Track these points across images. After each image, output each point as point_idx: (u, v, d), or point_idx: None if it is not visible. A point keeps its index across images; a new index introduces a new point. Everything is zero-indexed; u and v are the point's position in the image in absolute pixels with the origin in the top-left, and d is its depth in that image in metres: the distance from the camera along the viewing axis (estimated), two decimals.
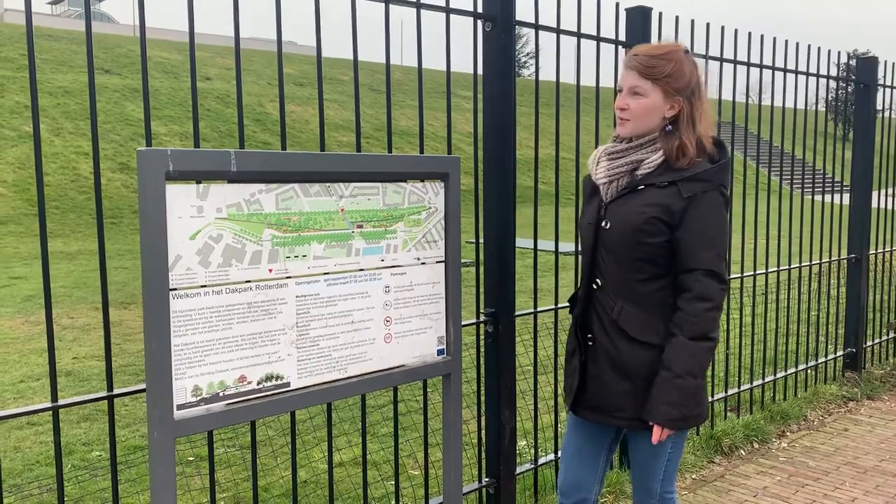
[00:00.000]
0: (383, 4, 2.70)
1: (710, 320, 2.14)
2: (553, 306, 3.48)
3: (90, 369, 6.28)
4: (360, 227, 2.02)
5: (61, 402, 2.20)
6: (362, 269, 2.03)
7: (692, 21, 4.00)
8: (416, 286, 2.15)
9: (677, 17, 3.82)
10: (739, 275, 4.59)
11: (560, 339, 3.31)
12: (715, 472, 3.98)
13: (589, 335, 2.32)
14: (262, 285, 1.84)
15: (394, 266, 2.10)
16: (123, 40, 29.29)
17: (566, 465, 2.47)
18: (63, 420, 4.84)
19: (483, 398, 3.23)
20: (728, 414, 4.55)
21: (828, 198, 5.72)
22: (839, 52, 5.11)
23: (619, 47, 3.60)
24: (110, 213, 16.92)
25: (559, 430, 3.61)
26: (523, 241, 5.30)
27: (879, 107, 5.65)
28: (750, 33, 4.36)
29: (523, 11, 3.09)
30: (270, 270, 1.85)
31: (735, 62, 4.30)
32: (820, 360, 5.32)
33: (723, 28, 4.22)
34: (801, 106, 5.07)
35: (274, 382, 1.88)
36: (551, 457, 3.56)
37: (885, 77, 5.61)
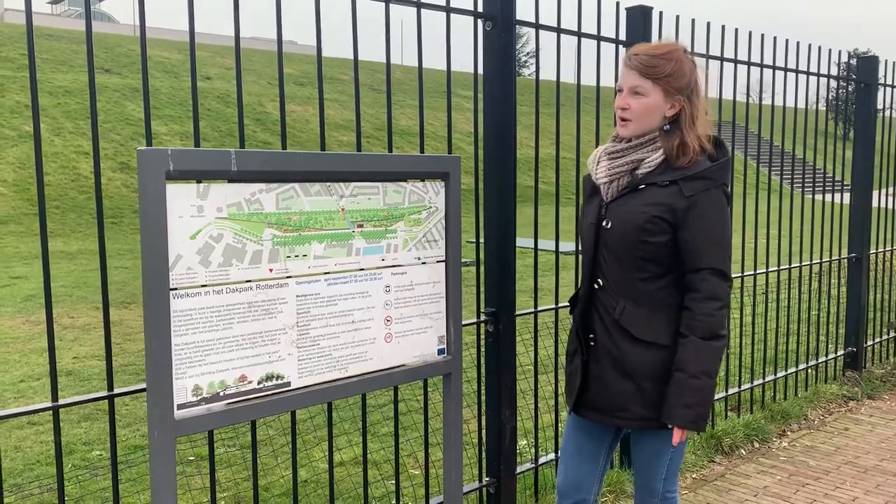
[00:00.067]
0: (383, 4, 2.69)
1: (720, 319, 2.15)
2: (553, 305, 3.48)
3: (90, 369, 6.28)
4: (361, 226, 2.02)
5: (62, 401, 2.20)
6: (363, 269, 2.03)
7: (692, 20, 4.00)
8: (417, 286, 2.15)
9: (678, 17, 3.82)
10: (740, 274, 4.58)
11: (561, 339, 3.31)
12: (715, 472, 3.98)
13: (591, 335, 2.32)
14: (262, 285, 1.84)
15: (394, 265, 2.10)
16: (124, 40, 29.28)
17: (565, 465, 2.47)
18: (63, 420, 4.84)
19: (483, 398, 3.22)
20: (728, 413, 4.55)
21: (828, 197, 5.73)
22: (840, 52, 5.10)
23: (620, 46, 3.60)
24: (111, 212, 16.92)
25: (559, 429, 3.61)
26: (524, 241, 5.30)
27: (880, 106, 5.65)
28: (750, 32, 4.36)
29: (524, 11, 3.09)
30: (271, 270, 1.85)
31: (735, 61, 4.29)
32: (820, 360, 5.32)
33: (723, 27, 4.22)
34: (801, 105, 5.07)
35: (274, 382, 1.88)
36: (552, 456, 3.56)
37: (885, 76, 5.61)
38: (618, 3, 3.60)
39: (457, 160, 2.22)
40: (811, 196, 5.29)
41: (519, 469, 3.34)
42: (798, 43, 4.76)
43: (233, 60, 27.04)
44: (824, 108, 5.72)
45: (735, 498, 3.68)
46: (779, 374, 4.92)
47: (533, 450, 3.58)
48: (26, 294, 9.62)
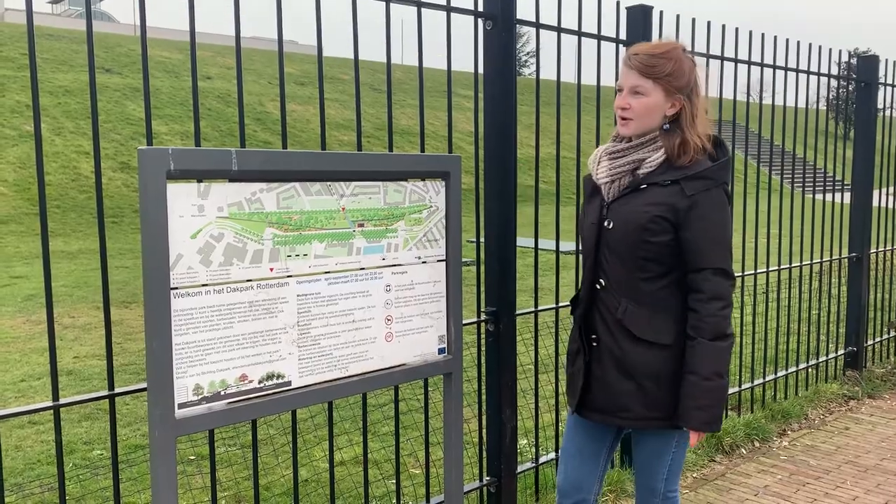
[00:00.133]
0: (384, 3, 2.70)
1: (725, 318, 2.15)
2: (554, 305, 3.48)
3: (91, 368, 6.29)
4: (361, 225, 2.02)
5: (62, 401, 2.20)
6: (363, 268, 2.03)
7: (693, 20, 4.00)
8: (417, 285, 2.15)
9: (678, 16, 3.82)
10: (740, 273, 4.58)
11: (561, 339, 3.31)
12: (716, 471, 3.98)
13: (593, 336, 2.32)
14: (263, 284, 1.84)
15: (395, 265, 2.10)
16: (124, 39, 29.29)
17: (566, 465, 2.47)
18: (64, 419, 4.84)
19: (484, 397, 3.23)
20: (729, 412, 4.55)
21: (829, 196, 5.72)
22: (840, 51, 5.10)
23: (620, 46, 3.60)
24: (111, 212, 16.92)
25: (560, 428, 3.61)
26: (524, 240, 5.30)
27: (880, 105, 5.65)
28: (750, 32, 4.36)
29: (524, 10, 3.10)
30: (271, 269, 1.85)
31: (736, 61, 4.29)
32: (821, 359, 5.32)
33: (723, 27, 4.22)
34: (801, 105, 5.07)
35: (275, 381, 1.88)
36: (552, 455, 3.56)
37: (885, 76, 5.61)
38: (618, 3, 3.60)
39: (457, 159, 2.22)
40: (811, 195, 5.29)
41: (519, 468, 3.34)
42: (798, 42, 4.76)
43: (233, 60, 27.00)
44: (824, 108, 5.72)
45: (735, 497, 3.68)
46: (779, 374, 4.92)
47: (533, 449, 3.58)
48: (27, 293, 9.63)
